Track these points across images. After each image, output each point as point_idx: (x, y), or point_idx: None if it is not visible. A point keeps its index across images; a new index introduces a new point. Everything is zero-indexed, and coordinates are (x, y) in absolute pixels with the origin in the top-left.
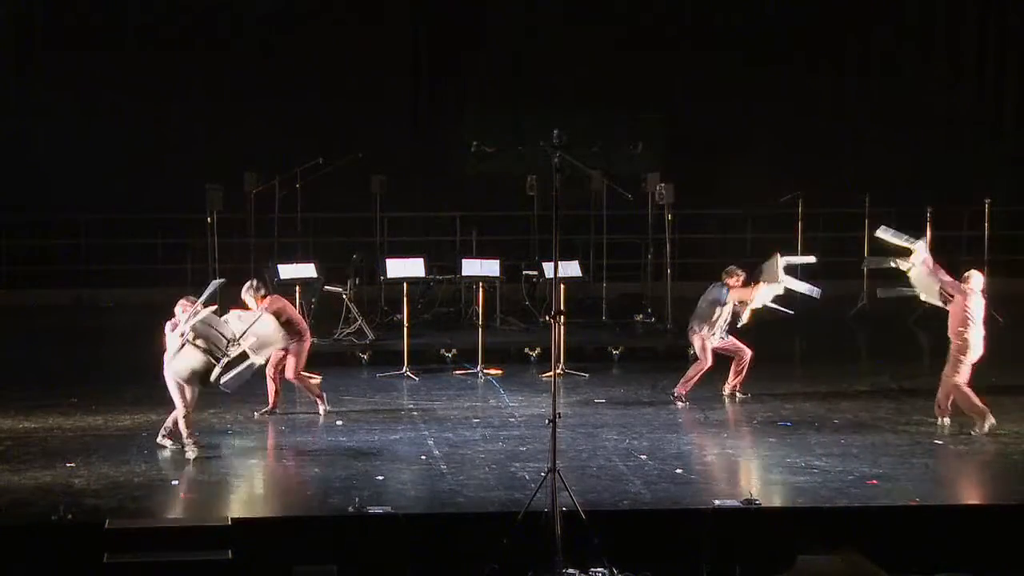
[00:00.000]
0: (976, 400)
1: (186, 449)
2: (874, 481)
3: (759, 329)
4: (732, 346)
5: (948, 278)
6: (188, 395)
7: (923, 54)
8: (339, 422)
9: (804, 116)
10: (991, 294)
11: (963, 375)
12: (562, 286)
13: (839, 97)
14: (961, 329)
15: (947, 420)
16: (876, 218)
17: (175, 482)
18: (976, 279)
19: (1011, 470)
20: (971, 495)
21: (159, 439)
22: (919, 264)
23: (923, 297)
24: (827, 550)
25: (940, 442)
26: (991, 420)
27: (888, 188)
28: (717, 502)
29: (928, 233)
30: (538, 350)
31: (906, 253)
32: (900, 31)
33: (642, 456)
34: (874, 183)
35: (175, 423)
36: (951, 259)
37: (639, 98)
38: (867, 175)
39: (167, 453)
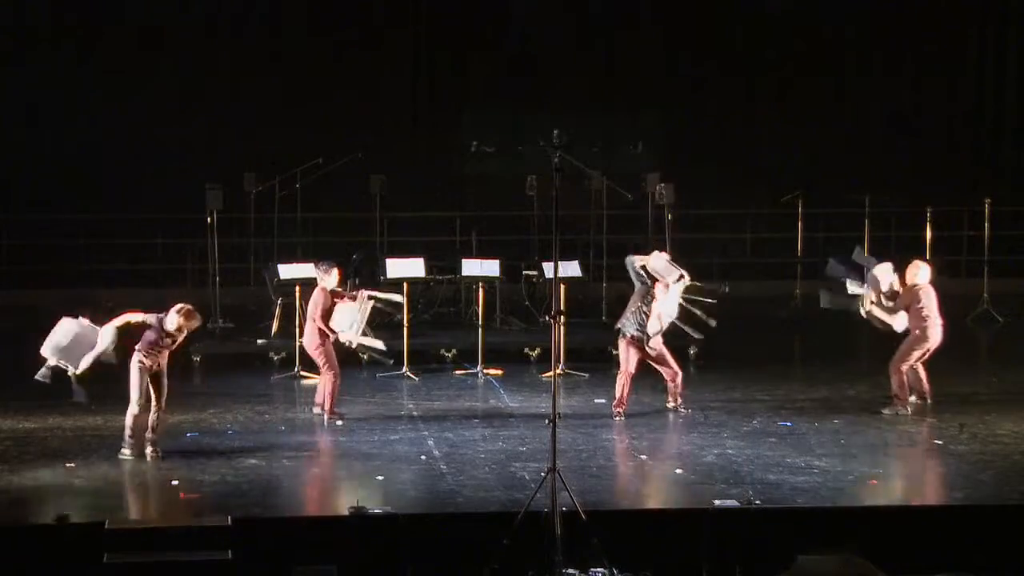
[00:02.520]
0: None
1: (123, 449)
2: (874, 481)
3: (759, 329)
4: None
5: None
6: (140, 389)
7: (923, 54)
8: (339, 422)
9: (804, 116)
10: (992, 294)
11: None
12: (562, 286)
13: (839, 97)
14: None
15: (912, 398)
16: (876, 218)
17: (175, 482)
18: (923, 271)
19: (1011, 470)
20: (971, 495)
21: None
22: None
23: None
24: (827, 550)
25: (940, 442)
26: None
27: (888, 188)
28: (717, 502)
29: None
30: (538, 350)
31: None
32: (900, 31)
33: (642, 456)
34: (874, 183)
35: (133, 424)
36: (951, 259)
37: (639, 98)
38: (867, 175)
39: (163, 453)
